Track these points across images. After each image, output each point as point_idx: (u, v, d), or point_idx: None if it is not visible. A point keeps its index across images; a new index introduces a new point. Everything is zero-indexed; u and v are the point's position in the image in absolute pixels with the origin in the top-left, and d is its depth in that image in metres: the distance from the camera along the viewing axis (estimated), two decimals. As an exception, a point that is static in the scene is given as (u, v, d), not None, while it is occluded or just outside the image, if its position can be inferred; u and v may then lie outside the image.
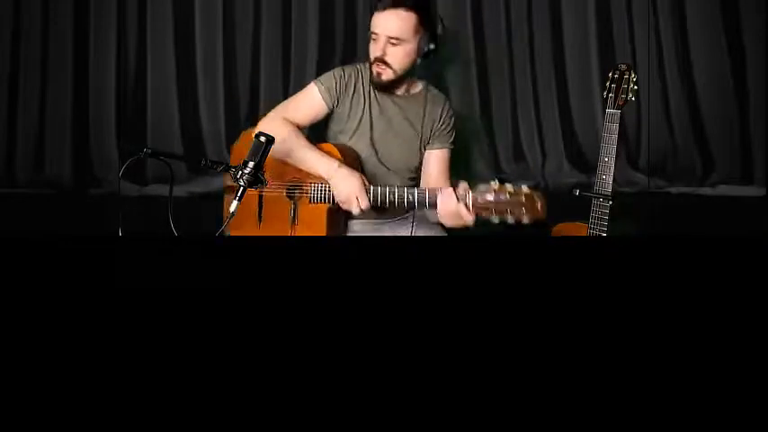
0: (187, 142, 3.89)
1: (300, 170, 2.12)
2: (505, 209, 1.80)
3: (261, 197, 2.16)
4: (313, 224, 2.10)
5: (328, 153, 2.10)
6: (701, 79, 3.74)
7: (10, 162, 3.81)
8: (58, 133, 3.84)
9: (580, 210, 2.07)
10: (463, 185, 1.90)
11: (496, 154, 3.80)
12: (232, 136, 2.44)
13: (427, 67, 2.19)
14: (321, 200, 2.09)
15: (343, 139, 2.18)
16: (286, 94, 2.46)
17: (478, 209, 1.85)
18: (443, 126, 2.20)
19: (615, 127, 2.00)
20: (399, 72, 2.12)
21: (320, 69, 2.37)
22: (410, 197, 1.99)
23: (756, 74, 3.65)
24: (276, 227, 2.14)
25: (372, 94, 2.17)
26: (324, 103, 2.17)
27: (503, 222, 1.83)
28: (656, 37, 3.76)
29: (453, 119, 2.23)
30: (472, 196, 1.85)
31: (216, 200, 2.33)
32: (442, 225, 2.24)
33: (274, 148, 1.80)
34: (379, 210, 2.11)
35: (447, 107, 2.23)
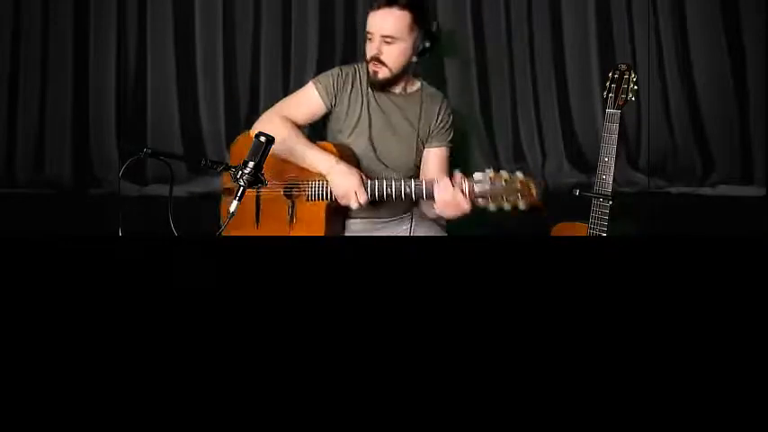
0: (187, 142, 3.89)
1: (297, 169, 2.13)
2: (502, 196, 1.84)
3: (258, 197, 2.16)
4: (311, 222, 2.10)
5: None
6: (701, 79, 3.74)
7: (10, 162, 3.81)
8: (58, 133, 3.84)
9: (580, 210, 2.07)
10: (459, 174, 1.94)
11: (496, 154, 3.80)
12: (232, 136, 2.44)
13: (428, 67, 2.19)
14: (319, 197, 2.10)
15: (342, 138, 2.18)
16: (286, 95, 2.46)
17: (475, 197, 1.88)
18: (442, 124, 2.21)
19: (615, 127, 2.00)
20: (395, 71, 2.13)
21: (320, 69, 2.37)
22: (407, 189, 2.00)
23: (756, 74, 3.65)
24: (274, 226, 2.14)
25: (370, 92, 2.18)
26: (321, 101, 2.18)
27: (500, 209, 1.85)
28: (656, 37, 3.76)
29: (452, 117, 2.24)
30: (469, 184, 1.88)
31: (216, 200, 2.33)
32: (441, 225, 2.24)
33: (275, 148, 1.80)
34: (377, 204, 2.11)
35: (445, 105, 2.23)
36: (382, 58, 2.11)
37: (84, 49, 3.86)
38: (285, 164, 2.12)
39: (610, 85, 2.03)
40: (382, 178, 2.05)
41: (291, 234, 2.13)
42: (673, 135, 3.78)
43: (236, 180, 1.78)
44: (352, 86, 2.18)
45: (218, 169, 1.87)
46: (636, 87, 2.01)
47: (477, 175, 1.89)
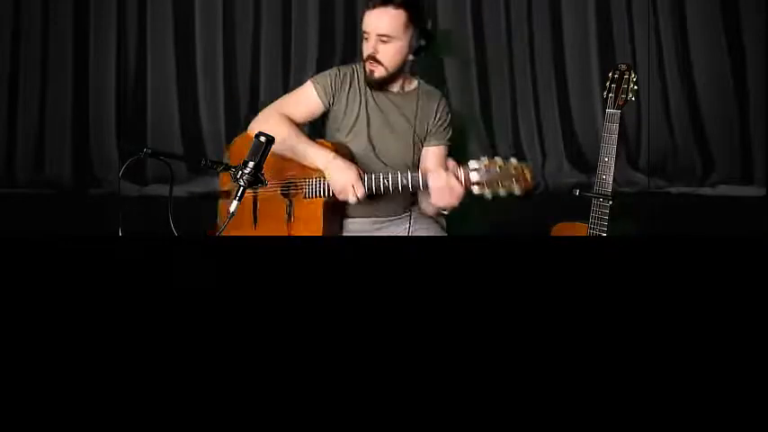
0: (187, 142, 3.89)
1: (295, 168, 2.13)
2: (497, 182, 1.89)
3: (255, 198, 2.16)
4: (309, 219, 2.10)
5: None
6: (701, 79, 3.74)
7: (10, 162, 3.82)
8: (58, 133, 3.85)
9: (580, 210, 2.07)
10: (452, 161, 1.99)
11: (496, 154, 3.80)
12: (232, 136, 2.44)
13: (428, 67, 2.20)
14: (316, 194, 2.10)
15: (341, 137, 2.19)
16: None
17: (471, 185, 1.92)
18: (440, 122, 2.21)
19: (615, 127, 2.00)
20: (391, 69, 2.14)
21: (320, 69, 2.38)
22: (404, 180, 2.02)
23: (756, 74, 3.65)
24: (272, 226, 2.14)
25: (368, 92, 2.19)
26: (319, 100, 2.19)
27: (495, 196, 1.90)
28: (656, 37, 3.76)
29: (450, 115, 2.24)
30: (464, 172, 1.92)
31: (216, 200, 2.33)
32: (440, 226, 2.24)
33: (275, 146, 1.81)
34: (375, 200, 2.12)
35: (443, 104, 2.24)
36: (378, 56, 2.12)
37: (84, 49, 3.87)
38: (283, 163, 2.12)
39: (610, 85, 2.03)
40: (379, 172, 2.06)
41: (290, 233, 2.13)
42: (673, 135, 3.78)
43: (236, 180, 1.78)
44: (350, 86, 2.19)
45: (219, 169, 1.87)
46: (636, 87, 2.01)
47: (473, 163, 1.93)
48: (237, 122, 3.77)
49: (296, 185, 2.14)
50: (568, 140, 3.86)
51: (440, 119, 2.21)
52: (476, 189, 1.92)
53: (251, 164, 1.77)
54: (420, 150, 2.22)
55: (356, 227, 2.21)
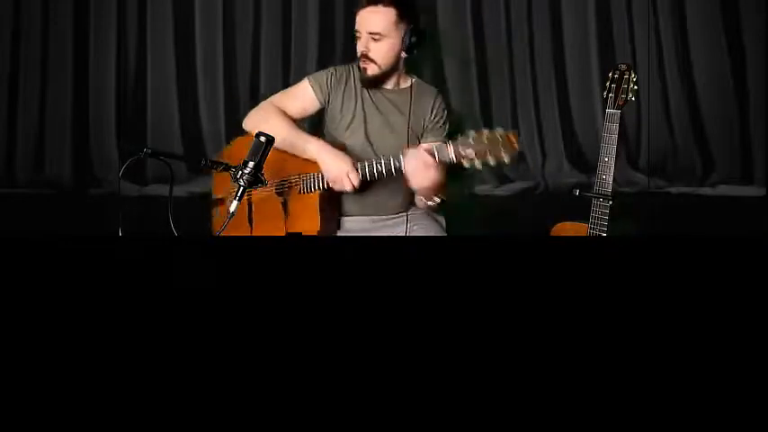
0: (187, 142, 3.89)
1: (289, 169, 2.14)
2: (486, 151, 1.93)
3: (249, 200, 2.16)
4: (306, 212, 2.11)
5: None
6: (701, 79, 3.74)
7: (10, 162, 3.82)
8: (58, 133, 3.85)
9: (580, 210, 2.07)
10: (425, 144, 2.07)
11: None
12: (232, 136, 2.45)
13: (428, 67, 2.20)
14: (311, 189, 2.11)
15: (339, 135, 2.20)
16: (286, 95, 2.50)
17: (462, 158, 1.95)
18: (436, 119, 2.22)
19: (615, 127, 2.00)
20: (384, 67, 2.16)
21: (320, 69, 2.39)
22: (396, 163, 2.04)
23: (756, 74, 3.65)
24: (269, 225, 2.14)
25: (364, 90, 2.20)
26: (315, 97, 2.21)
27: (485, 165, 1.94)
28: (656, 37, 3.77)
29: (446, 112, 2.25)
30: (454, 147, 1.95)
31: (211, 205, 2.34)
32: (440, 225, 2.24)
33: (275, 145, 1.83)
34: (372, 194, 2.13)
35: (439, 100, 2.25)
36: (370, 54, 2.14)
37: (84, 49, 3.87)
38: (279, 164, 2.12)
39: (610, 85, 2.03)
40: (371, 158, 2.08)
41: (287, 230, 2.13)
42: (673, 135, 3.78)
43: (236, 180, 1.78)
44: (346, 84, 2.21)
45: (219, 169, 1.87)
46: (636, 87, 2.00)
47: (462, 139, 1.96)
48: (237, 122, 3.76)
49: (290, 183, 2.15)
50: (568, 140, 3.86)
51: (436, 115, 2.22)
52: (467, 162, 1.95)
53: (251, 164, 1.78)
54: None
55: (354, 225, 2.21)
